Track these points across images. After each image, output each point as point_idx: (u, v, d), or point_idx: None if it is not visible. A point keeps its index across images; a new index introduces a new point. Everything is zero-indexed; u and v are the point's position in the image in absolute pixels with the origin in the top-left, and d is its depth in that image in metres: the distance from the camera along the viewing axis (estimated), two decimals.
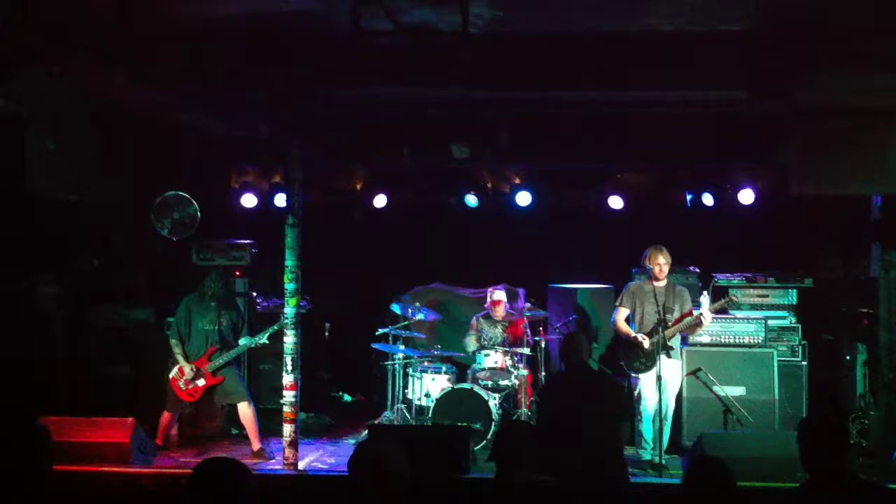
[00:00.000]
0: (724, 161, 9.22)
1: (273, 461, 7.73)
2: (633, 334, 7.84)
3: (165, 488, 6.52)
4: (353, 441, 8.59)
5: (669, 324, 7.75)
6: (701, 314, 7.79)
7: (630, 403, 7.69)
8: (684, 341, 8.25)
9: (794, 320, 8.75)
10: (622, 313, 8.03)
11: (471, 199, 10.12)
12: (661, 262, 7.88)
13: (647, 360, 7.74)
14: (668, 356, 7.71)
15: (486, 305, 9.22)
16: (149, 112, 7.75)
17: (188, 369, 7.89)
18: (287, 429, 7.21)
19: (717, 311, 7.99)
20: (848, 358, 8.76)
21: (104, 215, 8.80)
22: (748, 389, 8.13)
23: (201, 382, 7.92)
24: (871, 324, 8.41)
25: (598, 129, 8.36)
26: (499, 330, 9.05)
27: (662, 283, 7.93)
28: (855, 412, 8.40)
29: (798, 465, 6.53)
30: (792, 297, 8.86)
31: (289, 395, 7.26)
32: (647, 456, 7.79)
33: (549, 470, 5.28)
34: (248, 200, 10.07)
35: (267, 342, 8.10)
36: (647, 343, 7.71)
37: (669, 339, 7.77)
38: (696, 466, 4.31)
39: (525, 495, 5.84)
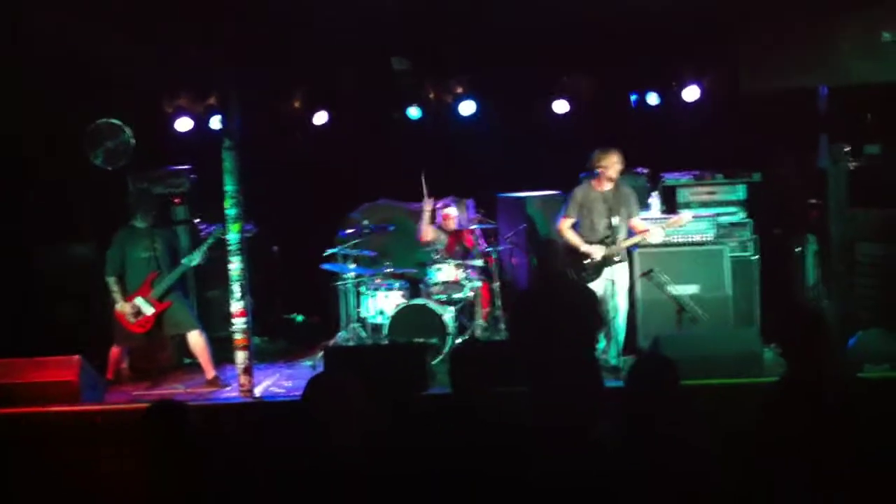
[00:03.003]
0: (668, 58, 9.08)
1: (229, 388, 7.62)
2: (583, 247, 7.67)
3: (118, 424, 6.40)
4: (310, 363, 8.48)
5: (618, 240, 7.60)
6: (648, 231, 7.66)
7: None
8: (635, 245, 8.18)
9: (744, 216, 8.71)
10: (567, 222, 7.82)
11: (413, 112, 9.86)
12: (615, 163, 7.63)
13: (595, 271, 7.66)
14: (615, 263, 7.64)
15: (437, 219, 9.07)
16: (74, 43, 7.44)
17: (129, 306, 7.68)
18: (240, 356, 7.07)
19: (672, 225, 7.88)
20: (798, 250, 8.77)
21: (35, 149, 8.50)
22: (701, 287, 8.14)
23: (149, 311, 7.73)
24: (820, 216, 8.43)
25: (542, 33, 8.22)
26: (447, 241, 8.91)
27: (609, 186, 7.73)
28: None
29: (756, 362, 6.71)
30: (741, 192, 8.81)
31: (239, 322, 7.11)
32: (601, 358, 7.74)
33: (525, 384, 5.24)
34: (184, 124, 9.68)
35: (205, 256, 7.88)
36: (597, 254, 7.62)
37: (617, 254, 7.66)
38: (637, 366, 4.25)
39: (488, 410, 5.80)
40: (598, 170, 7.70)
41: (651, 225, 7.78)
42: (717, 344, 6.85)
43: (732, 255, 8.34)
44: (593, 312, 5.99)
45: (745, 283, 8.40)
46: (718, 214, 8.51)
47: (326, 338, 9.02)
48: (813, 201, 8.62)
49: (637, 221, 7.82)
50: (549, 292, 5.99)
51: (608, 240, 7.60)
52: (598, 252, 7.60)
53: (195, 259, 7.84)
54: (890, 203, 7.85)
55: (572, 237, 7.75)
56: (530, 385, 5.43)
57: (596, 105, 9.65)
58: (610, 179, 7.68)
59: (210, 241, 7.81)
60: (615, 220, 7.62)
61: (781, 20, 7.55)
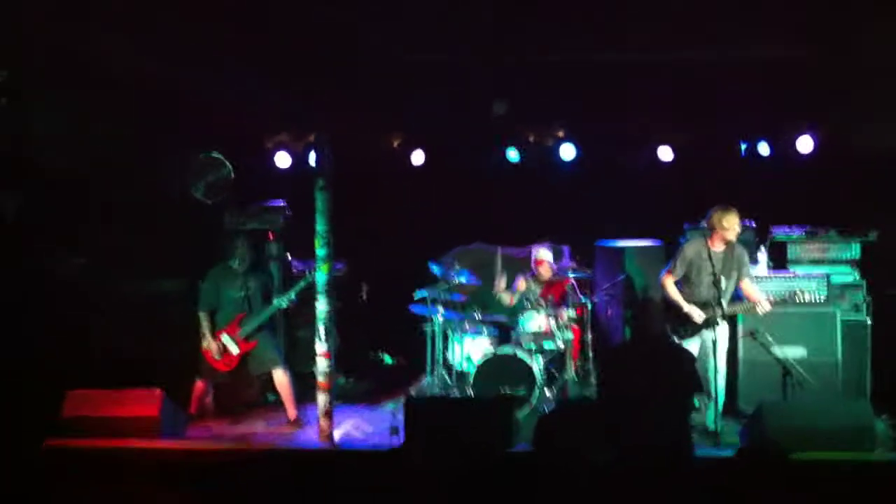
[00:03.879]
0: (782, 108, 8.72)
1: (309, 429, 7.48)
2: (685, 307, 7.20)
3: (197, 463, 6.33)
4: (392, 406, 8.31)
5: (726, 307, 7.10)
6: (758, 304, 7.18)
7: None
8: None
9: (857, 276, 8.21)
10: (672, 277, 7.35)
11: (512, 155, 9.66)
12: (735, 225, 7.13)
13: (693, 330, 7.22)
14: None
15: (531, 266, 8.82)
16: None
17: (216, 345, 7.65)
18: (321, 399, 6.94)
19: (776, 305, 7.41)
20: None
21: (124, 185, 8.59)
22: (809, 351, 7.67)
23: (235, 351, 7.68)
24: None
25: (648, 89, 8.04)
26: (539, 291, 8.64)
27: (722, 247, 7.25)
28: None
29: (867, 436, 6.24)
30: (855, 251, 8.33)
31: (322, 364, 6.98)
32: (698, 419, 7.30)
33: (613, 446, 4.97)
34: (283, 160, 9.72)
35: (294, 300, 7.81)
36: (698, 318, 7.20)
37: (720, 319, 7.09)
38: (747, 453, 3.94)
39: (577, 473, 5.54)
40: (716, 229, 7.22)
41: (761, 296, 7.29)
42: (825, 414, 6.38)
43: (844, 318, 7.83)
44: (690, 376, 5.67)
45: (856, 348, 7.89)
46: (830, 274, 8.01)
47: (412, 381, 8.83)
48: None
49: (748, 284, 7.35)
50: (644, 351, 5.71)
51: (713, 301, 7.16)
52: (698, 316, 7.17)
53: (284, 302, 7.78)
54: None
55: (675, 294, 7.30)
56: (618, 446, 5.15)
57: (702, 153, 9.30)
58: (726, 241, 7.25)
59: (301, 284, 7.75)
60: (724, 282, 7.14)
61: None
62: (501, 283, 8.90)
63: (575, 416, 4.79)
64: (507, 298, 8.78)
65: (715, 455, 6.33)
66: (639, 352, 5.72)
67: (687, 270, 7.33)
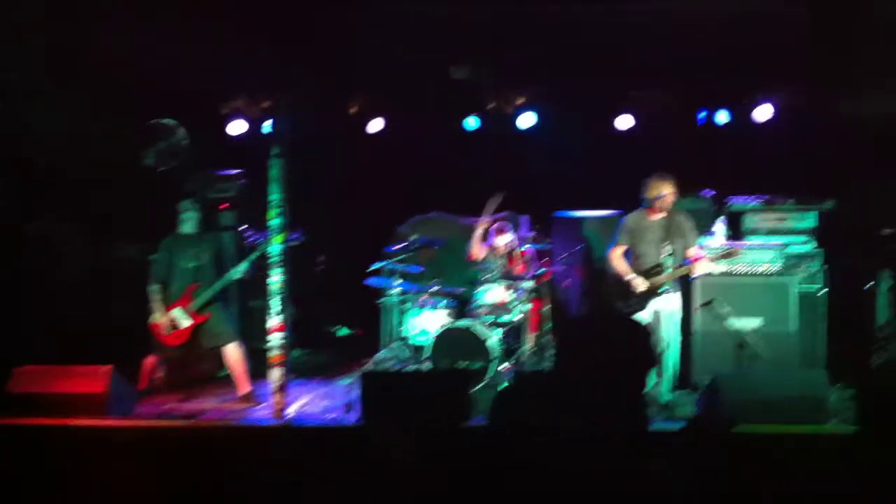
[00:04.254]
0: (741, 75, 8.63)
1: (262, 406, 7.37)
2: (627, 276, 7.24)
3: (144, 441, 6.21)
4: (348, 381, 8.22)
5: (665, 266, 7.17)
6: (692, 266, 7.17)
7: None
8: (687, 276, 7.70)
9: (814, 246, 8.21)
10: (618, 250, 7.41)
11: (471, 122, 9.53)
12: (665, 193, 7.19)
13: (640, 302, 7.22)
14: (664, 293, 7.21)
15: (490, 240, 8.74)
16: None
17: (166, 318, 7.50)
18: (275, 373, 6.80)
19: (723, 257, 7.40)
20: (871, 285, 8.22)
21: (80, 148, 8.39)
22: (764, 321, 7.65)
23: (186, 323, 7.53)
24: None
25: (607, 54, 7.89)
26: (499, 262, 8.57)
27: (663, 214, 7.28)
28: (875, 342, 7.94)
29: (822, 407, 6.26)
30: (811, 220, 8.31)
31: (276, 338, 6.84)
32: (651, 393, 7.25)
33: (570, 419, 4.91)
34: (238, 127, 9.50)
35: (249, 270, 7.65)
36: (641, 286, 7.19)
37: (660, 286, 7.18)
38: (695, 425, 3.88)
39: (533, 447, 5.45)
40: (650, 197, 7.27)
41: (701, 255, 7.28)
42: (780, 385, 6.38)
43: (799, 287, 7.83)
44: (644, 351, 5.60)
45: (811, 318, 7.89)
46: (786, 244, 7.99)
47: (369, 354, 8.75)
48: (889, 231, 8.08)
49: (693, 252, 7.35)
50: (601, 324, 5.61)
51: (655, 270, 7.18)
52: (641, 284, 7.17)
53: (238, 272, 7.62)
54: None
55: (620, 266, 7.35)
56: (573, 423, 5.10)
57: (662, 122, 9.22)
58: (661, 210, 7.27)
59: (255, 255, 7.59)
60: (667, 251, 7.19)
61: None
62: (477, 246, 8.67)
63: (531, 388, 4.70)
64: (483, 253, 8.62)
65: (668, 428, 6.29)
66: (595, 324, 5.59)
67: (630, 241, 7.35)
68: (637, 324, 6.70)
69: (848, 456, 4.15)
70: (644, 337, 5.70)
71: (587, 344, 5.46)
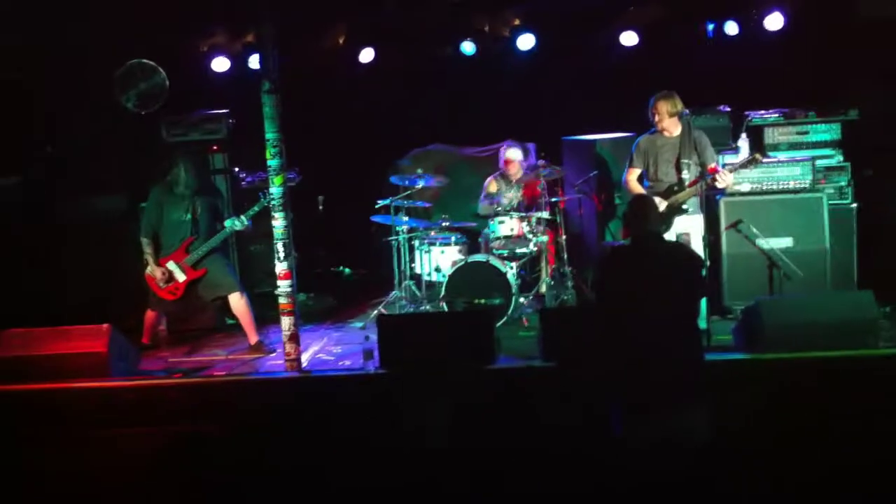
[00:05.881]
0: None
1: (274, 355, 6.97)
2: None
3: (150, 399, 5.83)
4: (360, 324, 7.84)
5: (685, 184, 6.76)
6: (717, 177, 6.69)
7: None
8: (721, 191, 7.29)
9: (841, 159, 7.81)
10: (633, 173, 7.00)
11: (467, 47, 8.99)
12: (665, 112, 6.77)
13: (663, 223, 6.77)
14: (685, 213, 6.80)
15: (499, 165, 8.29)
16: None
17: (160, 272, 7.04)
18: (286, 322, 6.40)
19: (742, 167, 6.98)
20: None
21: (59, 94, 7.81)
22: (795, 240, 7.27)
23: (181, 278, 7.08)
24: None
25: None
26: (515, 192, 8.13)
27: (677, 132, 6.87)
28: None
29: (876, 329, 5.95)
30: (836, 132, 7.91)
31: (284, 285, 6.43)
32: None
33: (615, 359, 4.57)
34: (220, 65, 8.94)
35: (249, 224, 7.20)
36: (662, 206, 6.75)
37: (681, 203, 6.76)
38: None
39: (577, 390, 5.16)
40: (653, 119, 6.86)
41: (720, 168, 6.86)
42: (826, 309, 6.03)
43: (829, 203, 7.44)
44: (695, 273, 5.20)
45: (843, 235, 7.51)
46: (813, 158, 7.58)
47: (376, 295, 8.35)
48: None
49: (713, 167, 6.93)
50: (643, 249, 5.17)
51: (674, 189, 6.76)
52: (659, 202, 6.73)
53: (238, 225, 7.14)
54: None
55: (637, 190, 6.93)
56: (617, 358, 4.72)
57: (669, 37, 8.74)
58: (665, 129, 6.85)
59: (256, 208, 7.12)
60: (684, 168, 6.78)
61: None
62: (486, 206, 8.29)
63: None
64: (487, 209, 8.22)
65: (717, 359, 5.92)
66: (637, 250, 5.13)
67: (645, 163, 6.96)
68: (684, 246, 6.26)
69: None
70: (693, 259, 5.32)
71: (629, 271, 5.08)
